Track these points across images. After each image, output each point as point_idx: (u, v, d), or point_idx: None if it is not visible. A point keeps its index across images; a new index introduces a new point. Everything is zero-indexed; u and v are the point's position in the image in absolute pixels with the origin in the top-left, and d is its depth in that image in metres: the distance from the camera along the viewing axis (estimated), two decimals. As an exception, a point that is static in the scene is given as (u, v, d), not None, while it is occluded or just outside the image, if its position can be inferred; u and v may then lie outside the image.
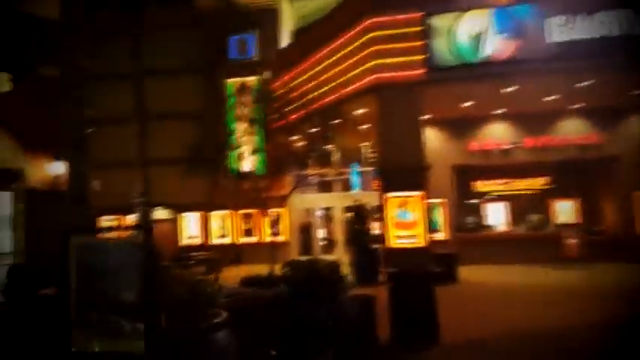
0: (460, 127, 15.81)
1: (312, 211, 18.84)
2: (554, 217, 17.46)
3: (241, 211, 17.22)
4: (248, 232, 17.10)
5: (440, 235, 15.41)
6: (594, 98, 14.08)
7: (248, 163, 17.17)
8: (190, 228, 17.03)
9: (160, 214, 16.99)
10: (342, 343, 3.54)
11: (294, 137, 16.76)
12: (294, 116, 15.17)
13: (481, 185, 18.58)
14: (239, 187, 16.74)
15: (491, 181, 18.50)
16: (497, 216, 17.99)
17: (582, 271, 12.65)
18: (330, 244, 18.39)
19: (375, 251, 11.40)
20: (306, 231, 18.54)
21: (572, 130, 15.34)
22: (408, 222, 11.37)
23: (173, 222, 17.15)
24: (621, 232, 15.08)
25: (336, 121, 14.37)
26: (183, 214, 17.06)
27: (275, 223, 16.78)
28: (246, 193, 17.08)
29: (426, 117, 15.32)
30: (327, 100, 13.50)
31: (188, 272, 2.86)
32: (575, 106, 14.87)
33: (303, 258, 4.08)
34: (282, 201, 17.64)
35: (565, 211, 17.73)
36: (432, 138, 15.88)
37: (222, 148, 16.28)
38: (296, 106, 14.68)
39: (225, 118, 16.40)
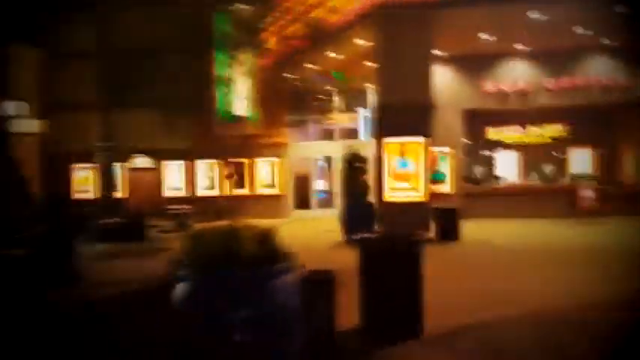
0: (474, 65, 14.07)
1: (310, 161, 17.51)
2: (570, 168, 16.13)
3: (231, 160, 15.98)
4: (238, 184, 15.89)
5: (446, 188, 14.13)
6: (623, 34, 12.27)
7: (239, 105, 15.74)
8: (174, 178, 15.84)
9: (140, 162, 15.76)
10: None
11: (292, 75, 15.17)
12: (289, 49, 13.53)
13: (493, 132, 17.03)
14: (228, 133, 15.46)
15: (505, 128, 16.92)
16: (509, 166, 16.62)
17: (597, 227, 11.41)
18: (329, 197, 17.20)
19: (369, 206, 10.14)
20: (302, 183, 17.30)
21: (597, 71, 13.56)
22: (407, 172, 10.04)
23: (155, 171, 15.95)
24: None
25: (337, 55, 12.80)
26: (166, 163, 15.80)
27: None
28: (237, 140, 15.82)
29: (436, 52, 13.65)
30: (326, 28, 11.79)
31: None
32: (603, 43, 13.03)
33: (217, 224, 2.61)
34: (277, 149, 16.42)
35: (582, 161, 16.36)
36: (441, 77, 14.19)
37: (207, 89, 14.78)
38: (292, 37, 13.06)
39: (212, 54, 14.76)
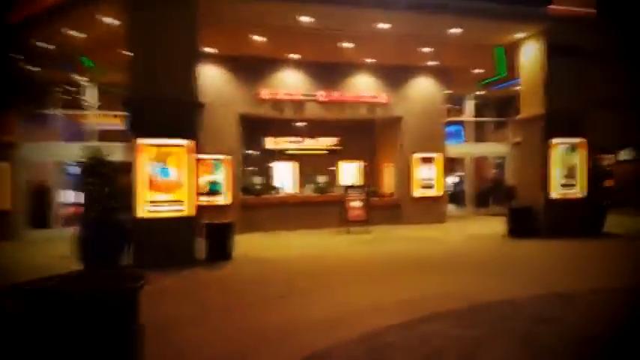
0: (250, 69, 13.21)
1: (55, 167, 13.87)
2: (340, 179, 16.87)
3: None
4: None
5: (222, 199, 12.83)
6: (386, 54, 13.27)
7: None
8: None
9: None
10: None
11: (21, 56, 11.69)
12: (14, 19, 10.19)
13: (271, 141, 16.64)
14: None
15: (283, 138, 16.73)
16: (286, 177, 16.39)
17: (364, 236, 11.85)
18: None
19: (116, 225, 7.97)
20: (42, 194, 13.57)
21: (364, 88, 14.35)
22: (169, 182, 8.27)
23: None
24: (398, 194, 15.05)
25: (78, 34, 10.11)
26: None
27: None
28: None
29: (208, 49, 12.28)
30: None
31: None
32: (369, 60, 13.88)
33: None
34: (1, 150, 12.51)
35: (350, 172, 17.33)
36: (215, 78, 12.92)
37: None
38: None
39: None
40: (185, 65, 8.30)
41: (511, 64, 13.36)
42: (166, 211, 8.23)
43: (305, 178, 16.47)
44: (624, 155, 17.14)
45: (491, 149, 18.32)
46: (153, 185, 8.15)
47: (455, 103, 17.70)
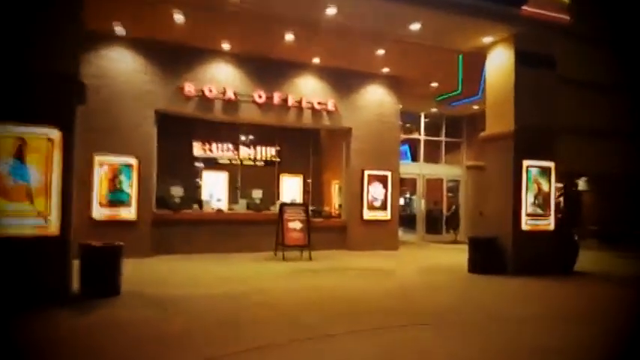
0: (173, 57, 10.99)
1: None
2: (280, 195, 14.90)
3: None
4: None
5: (129, 213, 10.39)
6: (336, 54, 11.59)
7: None
8: None
9: None
10: None
11: None
12: None
13: (198, 147, 14.33)
14: None
15: (212, 145, 14.50)
16: (216, 189, 14.12)
17: (304, 264, 9.87)
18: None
19: None
20: None
21: (310, 92, 12.48)
22: (26, 186, 5.88)
23: None
24: (346, 215, 13.24)
25: None
26: None
27: None
28: None
29: (118, 30, 10.00)
30: None
31: None
32: (316, 60, 12.10)
33: None
34: None
35: (291, 188, 15.45)
36: (126, 64, 10.56)
37: None
38: None
39: None
40: (58, 26, 6.00)
41: (472, 77, 12.07)
42: (20, 227, 5.81)
43: (237, 192, 14.30)
44: (580, 185, 16.40)
45: (444, 171, 17.07)
46: (4, 191, 5.72)
47: (406, 120, 16.31)
